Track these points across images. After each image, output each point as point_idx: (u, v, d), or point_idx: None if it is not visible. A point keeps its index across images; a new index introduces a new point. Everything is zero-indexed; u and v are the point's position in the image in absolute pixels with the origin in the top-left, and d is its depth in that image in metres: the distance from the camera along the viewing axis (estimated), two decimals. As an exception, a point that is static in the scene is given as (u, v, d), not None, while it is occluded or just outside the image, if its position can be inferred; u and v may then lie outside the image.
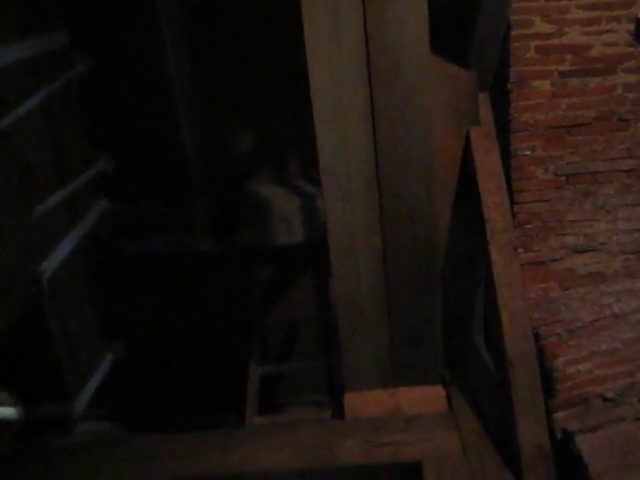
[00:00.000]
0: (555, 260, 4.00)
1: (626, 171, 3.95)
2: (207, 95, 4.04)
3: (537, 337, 3.83)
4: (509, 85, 3.72)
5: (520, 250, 3.89)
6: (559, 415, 3.73)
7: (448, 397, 3.39)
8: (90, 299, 3.71)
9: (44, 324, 3.33)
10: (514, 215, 3.81)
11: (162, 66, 3.86)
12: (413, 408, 3.33)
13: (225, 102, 4.06)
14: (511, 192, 3.79)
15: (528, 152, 3.84)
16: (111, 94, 3.96)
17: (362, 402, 3.37)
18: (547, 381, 3.70)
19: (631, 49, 3.73)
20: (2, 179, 3.14)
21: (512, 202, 3.77)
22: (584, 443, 3.58)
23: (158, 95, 3.97)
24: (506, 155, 3.75)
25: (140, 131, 4.07)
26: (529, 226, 3.96)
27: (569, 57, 3.69)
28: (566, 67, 3.71)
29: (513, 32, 3.66)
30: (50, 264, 3.27)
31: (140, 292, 4.26)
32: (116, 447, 3.30)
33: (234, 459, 3.13)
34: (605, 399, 3.78)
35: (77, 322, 3.55)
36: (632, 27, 3.70)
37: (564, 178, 3.92)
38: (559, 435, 3.69)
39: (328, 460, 3.09)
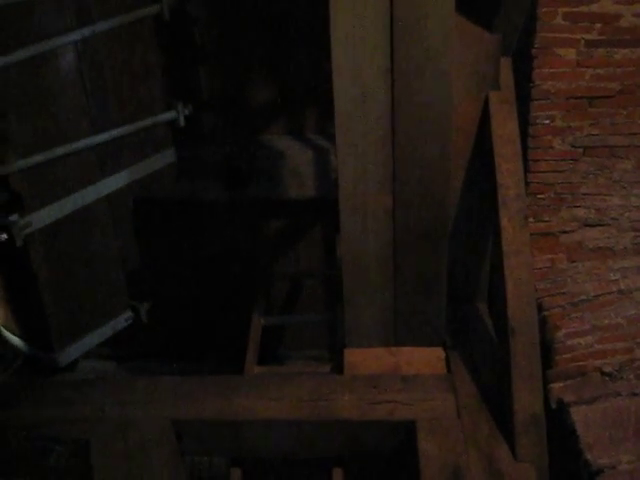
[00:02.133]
0: (565, 232, 3.98)
1: (645, 147, 3.90)
2: (225, 43, 3.99)
3: (540, 307, 3.83)
4: (533, 51, 3.64)
5: (530, 220, 3.86)
6: (556, 386, 3.76)
7: (447, 360, 3.42)
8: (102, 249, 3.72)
9: (30, 272, 3.38)
10: (527, 184, 3.78)
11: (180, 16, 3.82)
12: (412, 368, 3.37)
13: (243, 51, 4.01)
14: (526, 161, 3.75)
15: (547, 121, 3.79)
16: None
17: (362, 358, 3.41)
18: (547, 351, 3.72)
19: (662, 21, 3.64)
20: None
21: (526, 171, 3.74)
22: (578, 415, 3.61)
23: (175, 41, 3.92)
24: (524, 123, 3.70)
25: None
26: (541, 196, 3.93)
27: (598, 26, 3.61)
28: (593, 36, 3.62)
29: (541, -3, 3.58)
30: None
31: (147, 237, 4.26)
32: (118, 387, 3.36)
33: (233, 407, 3.18)
34: (603, 373, 3.80)
35: (73, 277, 3.59)
36: (664, -1, 3.61)
37: (581, 150, 3.87)
38: (554, 405, 3.72)
39: (324, 414, 3.14)
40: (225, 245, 4.47)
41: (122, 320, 3.85)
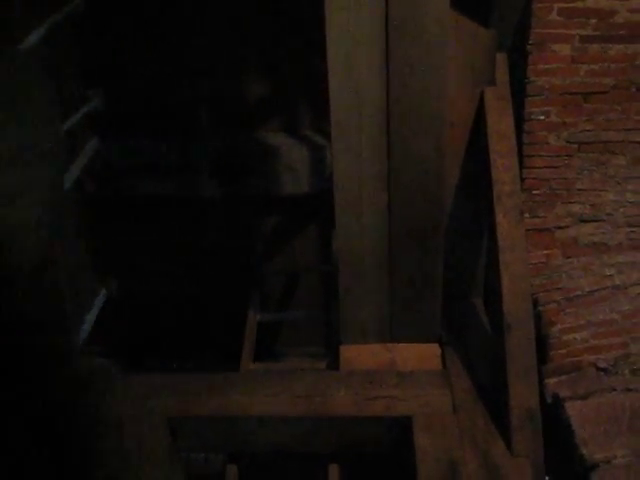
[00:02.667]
0: (560, 228, 3.99)
1: (640, 142, 3.91)
2: (219, 39, 3.98)
3: (536, 303, 3.85)
4: (528, 47, 3.65)
5: (526, 215, 3.87)
6: (551, 381, 3.78)
7: (443, 356, 3.42)
8: (80, 238, 3.70)
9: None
10: (522, 179, 3.79)
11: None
12: (408, 364, 3.37)
13: (238, 47, 4.00)
14: (521, 156, 3.75)
15: (542, 117, 3.80)
16: (112, 29, 3.91)
17: (357, 355, 3.41)
18: (542, 347, 3.74)
19: (657, 17, 3.65)
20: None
21: (521, 166, 3.74)
22: (573, 409, 3.63)
23: (167, 34, 3.92)
24: (519, 119, 3.71)
25: (149, 71, 4.03)
26: (537, 192, 3.94)
27: (592, 22, 3.61)
28: (588, 32, 3.63)
29: (537, -8, 3.59)
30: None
31: (142, 233, 4.26)
32: (113, 384, 3.36)
33: (229, 403, 3.17)
34: (598, 368, 3.82)
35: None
36: (659, -6, 3.61)
37: (576, 146, 3.88)
38: (549, 400, 3.74)
39: (320, 410, 3.14)
40: (220, 242, 4.47)
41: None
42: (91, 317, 3.78)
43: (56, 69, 3.55)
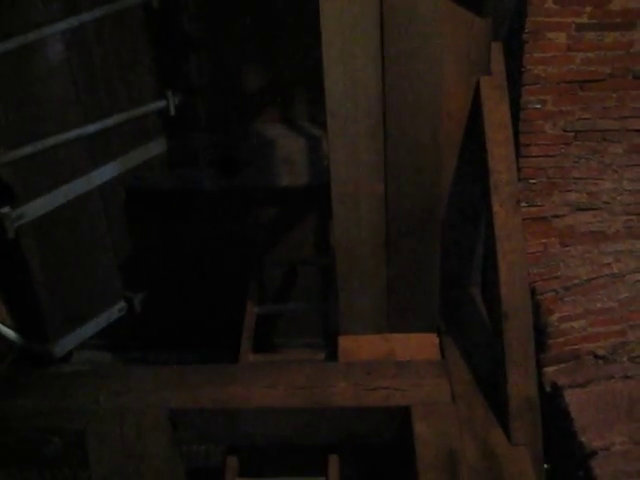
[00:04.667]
0: (557, 216, 3.99)
1: (637, 130, 3.88)
2: (216, 31, 3.97)
3: (533, 292, 3.85)
4: (524, 36, 3.63)
5: (523, 204, 3.87)
6: (549, 369, 3.78)
7: (441, 346, 3.43)
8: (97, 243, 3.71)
9: (22, 264, 3.37)
10: (519, 169, 3.78)
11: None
12: (406, 354, 3.38)
13: (234, 39, 4.00)
14: (517, 145, 3.75)
15: (538, 106, 3.79)
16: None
17: (356, 345, 3.42)
18: (540, 335, 3.74)
19: (653, 4, 3.63)
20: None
21: (518, 155, 3.74)
22: (572, 398, 3.63)
23: (164, 29, 3.90)
24: (515, 108, 3.70)
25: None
26: (533, 181, 3.93)
27: (588, 9, 3.59)
28: (584, 20, 3.61)
29: (532, -20, 3.57)
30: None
31: (140, 227, 4.26)
32: (114, 377, 3.37)
33: (229, 395, 3.19)
34: (596, 356, 3.82)
35: (66, 268, 3.58)
36: (656, -19, 3.60)
37: (572, 134, 3.87)
38: (548, 389, 3.74)
39: (320, 401, 3.15)
40: (218, 234, 4.47)
41: (116, 310, 3.85)
42: (97, 325, 3.80)
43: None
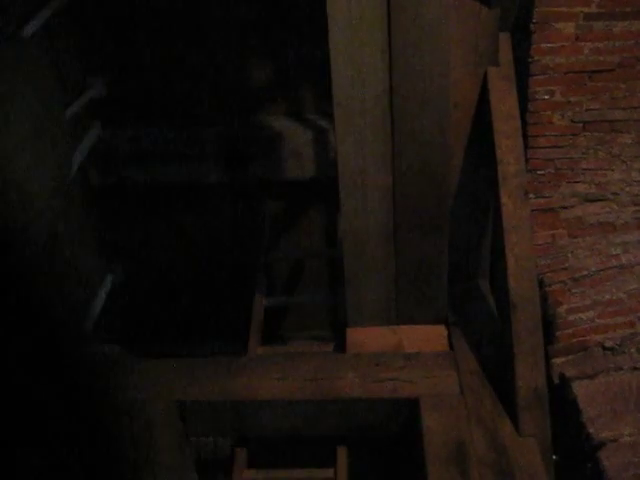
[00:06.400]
0: (565, 208, 3.97)
1: (645, 121, 3.88)
2: (222, 24, 3.97)
3: (542, 283, 3.84)
4: (532, 26, 3.62)
5: (531, 195, 3.86)
6: (558, 361, 3.78)
7: (449, 337, 3.43)
8: (85, 226, 3.71)
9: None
10: (527, 160, 3.77)
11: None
12: (414, 346, 3.38)
13: (240, 32, 3.99)
14: (526, 136, 3.73)
15: (546, 96, 3.77)
16: (114, 15, 3.90)
17: (364, 337, 3.42)
18: (548, 327, 3.74)
19: (662, -7, 3.60)
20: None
21: (526, 146, 3.72)
22: (580, 389, 3.63)
23: (170, 21, 3.90)
24: (523, 98, 3.68)
25: (153, 57, 4.02)
26: (541, 172, 3.92)
27: (596, -1, 3.58)
28: (592, 9, 3.59)
29: (539, -30, 3.55)
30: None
31: (149, 220, 4.27)
32: (122, 370, 3.38)
33: (237, 387, 3.19)
34: (605, 348, 3.81)
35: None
36: (665, -31, 3.57)
37: (581, 125, 3.86)
38: (556, 380, 3.74)
39: (328, 392, 3.15)
40: (225, 227, 4.47)
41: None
42: (98, 303, 3.80)
43: (56, 56, 3.54)
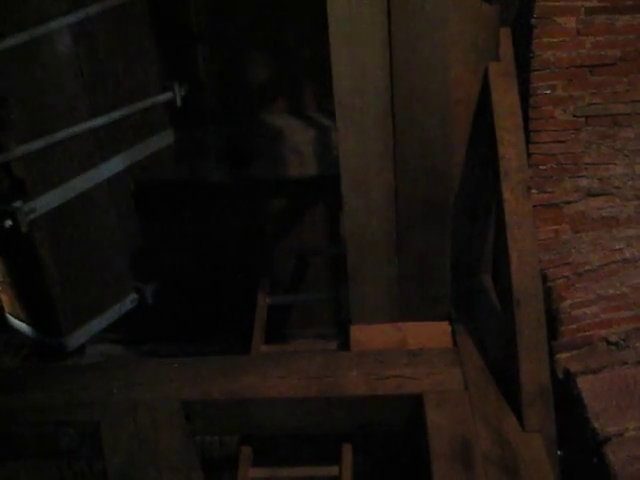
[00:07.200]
0: (568, 202, 3.96)
1: (647, 115, 3.87)
2: (222, 22, 3.96)
3: (545, 278, 3.83)
4: (533, 21, 3.60)
5: (533, 191, 3.85)
6: (562, 356, 3.78)
7: (453, 333, 3.43)
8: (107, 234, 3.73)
9: (35, 258, 3.39)
10: (529, 155, 3.75)
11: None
12: (418, 342, 3.38)
13: (241, 30, 3.98)
14: (527, 132, 3.72)
15: (548, 91, 3.76)
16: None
17: (368, 335, 3.42)
18: (552, 322, 3.73)
19: (664, -15, 3.59)
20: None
21: (528, 142, 3.70)
22: (585, 384, 3.63)
23: (172, 20, 3.90)
24: (525, 93, 3.67)
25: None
26: (544, 167, 3.91)
27: (598, -7, 3.57)
28: (593, 3, 3.57)
29: (540, -35, 3.54)
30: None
31: (150, 219, 4.27)
32: (126, 370, 3.39)
33: (241, 386, 3.20)
34: (609, 342, 3.81)
35: (78, 261, 3.60)
36: (667, -39, 3.55)
37: (583, 119, 3.84)
38: (561, 375, 3.74)
39: (332, 390, 3.16)
40: (228, 226, 4.47)
41: (128, 302, 3.87)
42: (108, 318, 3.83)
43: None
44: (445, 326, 3.46)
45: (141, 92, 3.62)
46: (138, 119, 3.64)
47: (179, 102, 3.73)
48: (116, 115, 3.49)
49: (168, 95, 3.70)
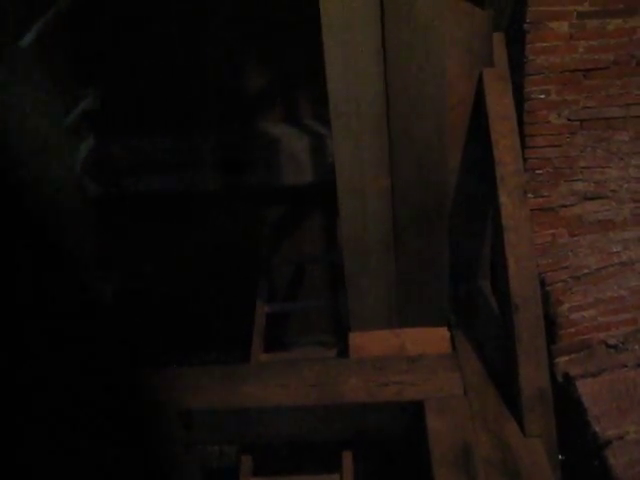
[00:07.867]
0: (564, 206, 3.97)
1: (642, 117, 3.88)
2: (218, 30, 3.97)
3: (543, 283, 3.83)
4: (525, 26, 3.62)
5: (530, 195, 3.85)
6: (561, 360, 3.77)
7: (452, 339, 3.43)
8: (82, 237, 3.70)
9: None
10: (525, 160, 3.76)
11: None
12: (417, 349, 3.38)
13: (236, 39, 3.99)
14: (522, 136, 3.73)
15: (542, 96, 3.77)
16: (104, 25, 3.90)
17: (367, 341, 3.41)
18: (551, 326, 3.73)
19: (655, -11, 3.61)
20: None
21: (523, 146, 3.72)
22: (585, 388, 3.62)
23: (163, 29, 3.91)
24: (519, 98, 3.68)
25: (148, 66, 4.03)
26: (539, 171, 3.92)
27: (589, -3, 3.59)
28: (585, 8, 3.59)
29: (532, -30, 3.55)
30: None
31: (148, 230, 4.27)
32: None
33: (240, 395, 3.19)
34: (608, 345, 3.81)
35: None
36: (657, -35, 3.57)
37: (578, 123, 3.85)
38: (560, 379, 3.73)
39: (332, 398, 3.15)
40: (225, 234, 4.47)
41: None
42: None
43: (50, 68, 3.55)
44: (444, 332, 3.46)
45: None
46: None
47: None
48: None
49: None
